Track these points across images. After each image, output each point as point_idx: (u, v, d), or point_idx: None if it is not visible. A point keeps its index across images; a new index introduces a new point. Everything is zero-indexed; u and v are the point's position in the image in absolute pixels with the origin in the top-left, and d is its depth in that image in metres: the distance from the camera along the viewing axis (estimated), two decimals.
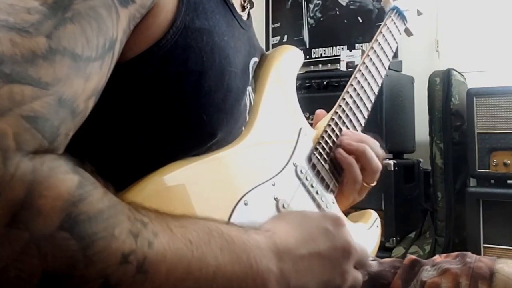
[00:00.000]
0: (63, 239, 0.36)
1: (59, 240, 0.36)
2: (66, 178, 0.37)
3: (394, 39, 0.90)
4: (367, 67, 0.84)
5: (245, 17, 0.69)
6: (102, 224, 0.38)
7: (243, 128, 0.65)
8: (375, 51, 0.86)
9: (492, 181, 2.02)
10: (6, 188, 0.35)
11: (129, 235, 0.39)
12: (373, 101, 0.84)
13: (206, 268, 0.44)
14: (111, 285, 0.38)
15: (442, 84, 2.18)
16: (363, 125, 0.81)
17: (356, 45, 2.75)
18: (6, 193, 0.35)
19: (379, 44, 0.87)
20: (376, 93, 0.85)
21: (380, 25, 0.91)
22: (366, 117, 0.82)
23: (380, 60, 0.86)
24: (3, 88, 0.36)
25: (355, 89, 0.81)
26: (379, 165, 0.77)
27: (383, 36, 0.88)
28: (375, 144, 0.78)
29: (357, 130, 0.79)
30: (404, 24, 0.95)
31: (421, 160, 2.37)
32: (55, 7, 0.40)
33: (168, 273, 0.41)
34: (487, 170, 1.98)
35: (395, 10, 0.92)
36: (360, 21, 2.80)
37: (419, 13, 1.01)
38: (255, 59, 0.70)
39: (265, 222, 0.56)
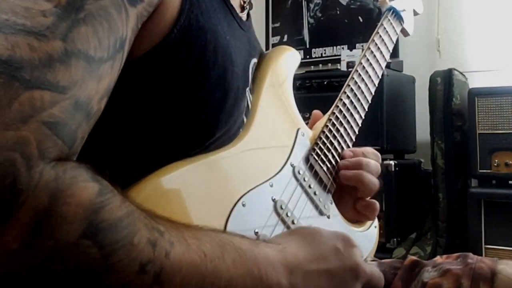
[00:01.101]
0: (86, 247, 0.36)
1: (82, 248, 0.36)
2: (87, 186, 0.38)
3: (391, 39, 0.91)
4: (364, 67, 0.84)
5: (244, 18, 0.69)
6: (123, 232, 0.38)
7: (241, 130, 0.65)
8: (372, 51, 0.86)
9: (494, 182, 2.02)
10: (31, 195, 0.35)
11: (148, 244, 0.40)
12: (370, 101, 0.85)
13: (219, 281, 0.44)
14: None
15: (443, 84, 2.18)
16: (360, 124, 0.81)
17: (357, 44, 2.75)
18: (30, 200, 0.35)
19: (376, 44, 0.87)
20: (373, 93, 0.85)
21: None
22: (363, 116, 0.82)
23: (377, 60, 0.86)
24: (24, 95, 0.36)
25: (352, 89, 0.81)
26: (376, 186, 0.76)
27: (380, 36, 0.89)
28: (370, 163, 0.76)
29: (354, 130, 0.79)
30: (401, 24, 0.95)
31: (422, 160, 2.37)
32: (68, 8, 0.41)
33: (182, 285, 0.41)
34: (489, 171, 1.97)
35: (392, 10, 0.93)
36: (361, 20, 2.79)
37: (415, 13, 1.02)
38: (254, 60, 0.70)
39: (277, 235, 0.57)
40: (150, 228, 0.41)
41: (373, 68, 0.85)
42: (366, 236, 0.80)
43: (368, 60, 0.85)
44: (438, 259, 0.76)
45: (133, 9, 0.46)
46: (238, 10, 0.67)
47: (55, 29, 0.39)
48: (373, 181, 0.75)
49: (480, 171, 1.99)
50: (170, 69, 0.53)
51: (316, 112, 0.83)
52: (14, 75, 0.36)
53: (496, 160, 1.96)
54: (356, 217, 0.78)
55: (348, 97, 0.80)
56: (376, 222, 0.82)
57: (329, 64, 2.60)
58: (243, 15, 0.69)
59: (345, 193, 0.77)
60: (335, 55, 2.83)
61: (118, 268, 0.38)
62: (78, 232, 0.36)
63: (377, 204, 0.78)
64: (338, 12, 2.88)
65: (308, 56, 2.90)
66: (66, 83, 0.38)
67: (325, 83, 2.26)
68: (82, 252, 0.36)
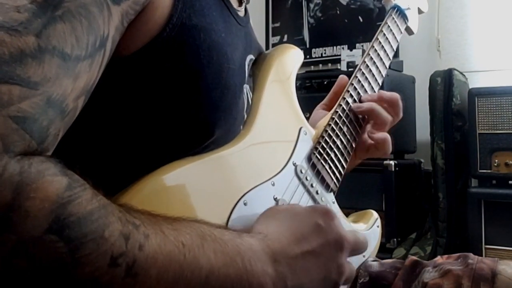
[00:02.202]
0: (51, 241, 0.36)
1: (48, 242, 0.36)
2: (54, 180, 0.37)
3: (395, 37, 0.90)
4: (367, 66, 0.83)
5: (242, 13, 0.69)
6: (92, 226, 0.38)
7: (241, 127, 0.65)
8: (375, 50, 0.85)
9: (494, 182, 2.02)
10: None
11: (120, 237, 0.39)
12: None
13: (199, 271, 0.43)
14: (100, 287, 0.38)
15: (443, 84, 2.18)
16: (363, 124, 0.80)
17: (357, 44, 2.75)
18: None
19: (380, 43, 0.86)
20: (377, 92, 0.85)
21: (381, 24, 0.90)
22: (366, 117, 0.81)
23: (381, 59, 0.86)
24: None
25: (355, 88, 0.80)
26: (388, 118, 0.81)
27: (384, 35, 0.88)
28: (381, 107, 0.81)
29: (358, 130, 0.79)
30: (405, 23, 0.94)
31: (422, 160, 2.37)
32: (45, 5, 0.40)
33: (158, 276, 0.41)
34: (489, 171, 1.97)
35: (396, 9, 0.92)
36: (361, 20, 2.79)
37: (420, 12, 1.01)
38: (250, 57, 0.69)
39: (256, 223, 0.55)
40: (124, 221, 0.40)
41: (377, 67, 0.85)
42: (368, 235, 0.79)
43: (372, 58, 0.84)
44: (438, 259, 0.76)
45: (117, 7, 0.46)
46: (235, 4, 0.67)
47: (28, 25, 0.38)
48: (385, 114, 0.80)
49: (480, 171, 1.99)
50: (163, 68, 0.53)
51: (320, 106, 0.84)
52: None
53: (496, 160, 1.96)
54: (368, 153, 0.82)
55: (351, 95, 0.79)
56: (378, 221, 0.82)
57: (329, 64, 2.60)
58: (241, 10, 0.69)
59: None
60: (335, 55, 2.83)
61: (87, 262, 0.37)
62: (43, 227, 0.36)
63: (388, 137, 0.82)
64: (338, 12, 2.88)
65: (308, 56, 2.90)
66: (37, 79, 0.38)
67: (325, 83, 2.26)
68: (48, 247, 0.36)
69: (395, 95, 0.83)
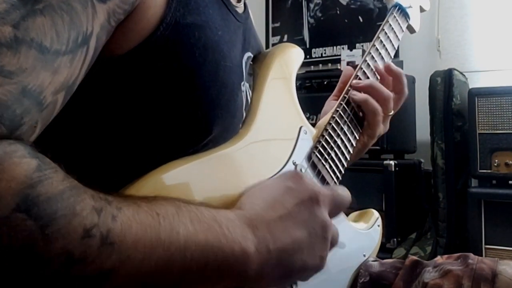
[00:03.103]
0: (19, 219, 0.36)
1: (15, 221, 0.36)
2: (22, 161, 0.37)
3: (397, 36, 0.90)
4: (368, 65, 0.83)
5: (240, 10, 0.69)
6: (63, 203, 0.38)
7: (240, 126, 0.65)
8: (377, 49, 0.85)
9: (494, 182, 2.02)
10: None
11: (92, 211, 0.39)
12: None
13: (176, 236, 0.43)
14: (75, 259, 0.38)
15: (443, 84, 2.18)
16: (363, 124, 0.80)
17: (357, 44, 2.75)
18: None
19: (381, 41, 0.86)
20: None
21: (381, 24, 0.90)
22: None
23: (382, 57, 0.85)
24: None
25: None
26: (389, 93, 0.81)
27: (385, 33, 0.87)
28: (380, 89, 0.81)
29: (358, 129, 0.79)
30: (407, 21, 0.94)
31: (422, 160, 2.37)
32: None
33: (135, 243, 0.40)
34: (489, 171, 1.97)
35: (398, 7, 0.92)
36: (361, 20, 2.79)
37: (422, 10, 1.01)
38: (248, 54, 0.69)
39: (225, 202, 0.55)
40: (96, 198, 0.40)
41: (378, 66, 0.85)
42: (369, 235, 0.79)
43: (373, 57, 0.84)
44: (438, 259, 0.76)
45: (102, 5, 0.46)
46: (234, 1, 0.67)
47: (6, 15, 0.39)
48: (384, 89, 0.80)
49: (480, 171, 1.99)
50: (158, 67, 0.53)
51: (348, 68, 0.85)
52: None
53: (496, 160, 1.96)
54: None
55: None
56: (379, 221, 0.82)
57: (329, 64, 2.60)
58: (240, 6, 0.69)
59: (374, 126, 0.81)
60: (335, 55, 2.83)
61: (58, 236, 0.37)
62: (10, 206, 0.36)
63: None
64: (338, 12, 2.88)
65: (308, 56, 2.90)
66: (12, 68, 0.38)
67: (325, 83, 2.26)
68: (16, 225, 0.36)
69: (399, 70, 0.84)
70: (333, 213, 0.56)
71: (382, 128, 0.84)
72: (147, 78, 0.53)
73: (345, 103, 0.78)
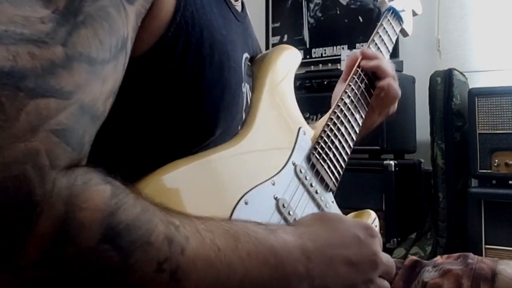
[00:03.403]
0: (105, 251, 0.37)
1: (102, 252, 0.37)
2: (99, 189, 0.38)
3: (391, 39, 0.92)
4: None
5: (239, 8, 0.69)
6: (140, 231, 0.39)
7: (239, 127, 0.65)
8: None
9: (494, 182, 2.02)
10: (46, 205, 0.35)
11: (164, 241, 0.40)
12: (370, 100, 0.84)
13: (234, 275, 0.44)
14: None
15: (443, 84, 2.18)
16: (361, 124, 0.81)
17: (357, 44, 2.75)
18: (47, 210, 0.35)
19: (376, 44, 0.88)
20: (374, 92, 0.85)
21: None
22: (364, 116, 0.82)
23: None
24: (30, 104, 0.35)
25: (352, 89, 0.81)
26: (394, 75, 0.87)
27: (380, 36, 0.89)
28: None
29: (355, 129, 0.79)
30: (400, 25, 0.96)
31: (422, 160, 2.37)
32: (66, 13, 0.40)
33: (197, 282, 0.41)
34: (489, 171, 1.97)
35: (391, 11, 0.94)
36: (361, 20, 2.79)
37: (414, 14, 1.02)
38: (245, 55, 0.69)
39: (299, 220, 0.57)
40: (165, 223, 0.41)
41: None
42: None
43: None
44: (438, 259, 0.76)
45: (131, 7, 0.46)
46: (232, 0, 0.67)
47: (54, 35, 0.38)
48: (390, 66, 0.85)
49: (480, 171, 1.99)
50: (167, 67, 0.53)
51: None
52: (18, 86, 0.35)
53: (496, 160, 1.96)
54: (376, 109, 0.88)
55: (348, 96, 0.80)
56: (376, 221, 0.82)
57: (329, 64, 2.59)
58: (238, 4, 0.69)
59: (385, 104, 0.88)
60: (335, 55, 2.83)
61: (136, 268, 0.38)
62: (97, 236, 0.36)
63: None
64: (338, 12, 2.87)
65: (308, 56, 2.90)
66: (70, 88, 0.38)
67: (325, 83, 2.26)
68: (103, 256, 0.36)
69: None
70: (381, 277, 0.58)
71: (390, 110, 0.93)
72: (155, 79, 0.53)
73: (342, 104, 0.79)
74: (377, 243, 0.57)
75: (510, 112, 1.94)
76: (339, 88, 0.87)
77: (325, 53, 2.91)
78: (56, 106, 0.37)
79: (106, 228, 0.37)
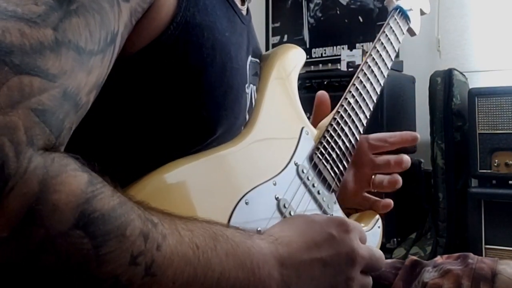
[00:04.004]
0: (78, 237, 0.36)
1: (74, 238, 0.36)
2: (76, 174, 0.37)
3: (397, 39, 0.90)
4: (369, 66, 0.83)
5: (244, 12, 0.69)
6: (115, 223, 0.38)
7: (243, 128, 0.65)
8: (378, 51, 0.85)
9: (494, 182, 2.02)
10: (20, 181, 0.34)
11: (140, 236, 0.39)
12: (375, 102, 0.84)
13: (211, 274, 0.44)
14: (121, 285, 0.38)
15: (443, 84, 2.18)
16: (365, 125, 0.81)
17: (357, 44, 2.75)
18: (20, 187, 0.34)
19: (382, 44, 0.86)
20: (379, 92, 0.85)
21: (381, 24, 0.91)
22: (369, 117, 0.81)
23: (383, 60, 0.86)
24: (13, 79, 0.35)
25: (357, 89, 0.80)
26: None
27: (386, 36, 0.88)
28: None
29: (359, 130, 0.79)
30: (408, 24, 0.94)
31: (422, 160, 2.37)
32: None
33: (174, 278, 0.41)
34: (489, 171, 1.97)
35: (398, 10, 0.92)
36: (361, 20, 2.79)
37: (422, 13, 1.01)
38: (250, 57, 0.69)
39: (271, 226, 0.56)
40: (143, 219, 0.40)
41: (379, 67, 0.84)
42: (370, 236, 0.79)
43: (374, 59, 0.84)
44: (438, 259, 0.76)
45: (126, 4, 0.46)
46: (238, 3, 0.67)
47: (46, 18, 0.39)
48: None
49: (480, 171, 1.99)
50: (167, 66, 0.53)
51: (320, 93, 0.83)
52: (3, 60, 0.35)
53: (496, 160, 1.96)
54: (361, 202, 0.82)
55: (353, 96, 0.79)
56: (379, 222, 0.82)
57: (329, 64, 2.60)
58: (243, 9, 0.69)
59: (360, 174, 0.81)
60: (335, 55, 2.83)
61: (109, 259, 0.37)
62: (70, 221, 0.35)
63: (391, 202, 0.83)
64: (338, 12, 2.88)
65: (308, 56, 2.85)
66: (55, 71, 0.38)
67: (325, 83, 2.26)
68: (74, 242, 0.35)
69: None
70: (364, 273, 0.57)
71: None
72: (154, 77, 0.53)
73: (346, 104, 0.78)
74: (353, 238, 0.55)
75: (510, 112, 1.94)
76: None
77: (325, 53, 2.91)
78: (39, 85, 0.36)
79: (80, 215, 0.36)
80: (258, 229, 0.57)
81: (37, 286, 0.36)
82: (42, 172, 0.35)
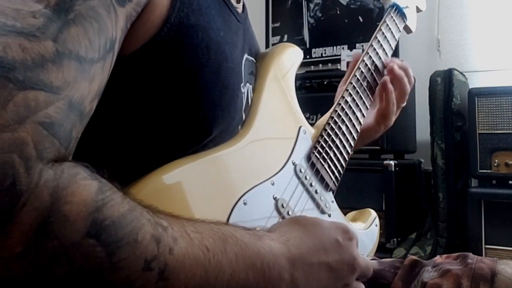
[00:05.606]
0: (90, 246, 0.36)
1: (87, 247, 0.36)
2: (86, 183, 0.38)
3: (394, 36, 0.90)
4: (366, 64, 0.83)
5: (240, 10, 0.69)
6: (126, 229, 0.38)
7: (240, 127, 0.65)
8: (374, 49, 0.85)
9: (494, 182, 2.02)
10: (31, 196, 0.34)
11: (152, 241, 0.40)
12: (372, 99, 0.84)
13: (222, 275, 0.44)
14: None
15: (443, 84, 2.18)
16: (362, 123, 0.80)
17: (357, 44, 2.75)
18: (32, 201, 0.34)
19: (379, 41, 0.86)
20: (376, 91, 0.85)
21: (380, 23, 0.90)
22: (366, 115, 0.81)
23: (380, 57, 0.86)
24: (18, 95, 0.35)
25: (354, 87, 0.80)
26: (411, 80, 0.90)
27: (383, 33, 0.88)
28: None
29: (356, 129, 0.79)
30: (404, 21, 0.94)
31: (422, 160, 2.36)
32: (57, 9, 0.40)
33: (186, 281, 0.41)
34: (489, 171, 1.97)
35: (395, 7, 0.92)
36: (361, 20, 2.79)
37: (418, 10, 1.01)
38: (246, 56, 0.69)
39: (282, 224, 0.56)
40: (153, 223, 0.41)
41: (376, 66, 0.85)
42: (367, 235, 0.80)
43: (370, 57, 0.84)
44: (438, 259, 0.76)
45: (122, 9, 0.46)
46: (234, 1, 0.67)
47: (45, 30, 0.39)
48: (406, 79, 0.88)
49: (480, 171, 1.98)
50: (162, 67, 0.53)
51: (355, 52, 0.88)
52: (7, 76, 0.35)
53: (496, 160, 1.95)
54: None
55: (350, 95, 0.79)
56: (377, 220, 0.82)
57: (329, 64, 2.60)
58: (239, 6, 0.69)
59: (389, 115, 0.88)
60: (335, 55, 2.83)
61: (123, 266, 0.37)
62: (82, 231, 0.36)
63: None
64: (338, 12, 2.87)
65: (308, 56, 2.90)
66: (59, 83, 0.38)
67: (325, 83, 2.26)
68: (87, 251, 0.36)
69: (401, 73, 0.89)
70: (357, 279, 0.60)
71: (393, 118, 0.92)
72: (149, 79, 0.53)
73: (343, 103, 0.78)
74: (355, 246, 0.58)
75: (510, 112, 1.94)
76: (341, 88, 0.87)
77: (325, 53, 2.90)
78: (45, 99, 0.37)
79: (92, 223, 0.36)
80: (257, 229, 0.57)
81: None
82: (53, 184, 0.36)
